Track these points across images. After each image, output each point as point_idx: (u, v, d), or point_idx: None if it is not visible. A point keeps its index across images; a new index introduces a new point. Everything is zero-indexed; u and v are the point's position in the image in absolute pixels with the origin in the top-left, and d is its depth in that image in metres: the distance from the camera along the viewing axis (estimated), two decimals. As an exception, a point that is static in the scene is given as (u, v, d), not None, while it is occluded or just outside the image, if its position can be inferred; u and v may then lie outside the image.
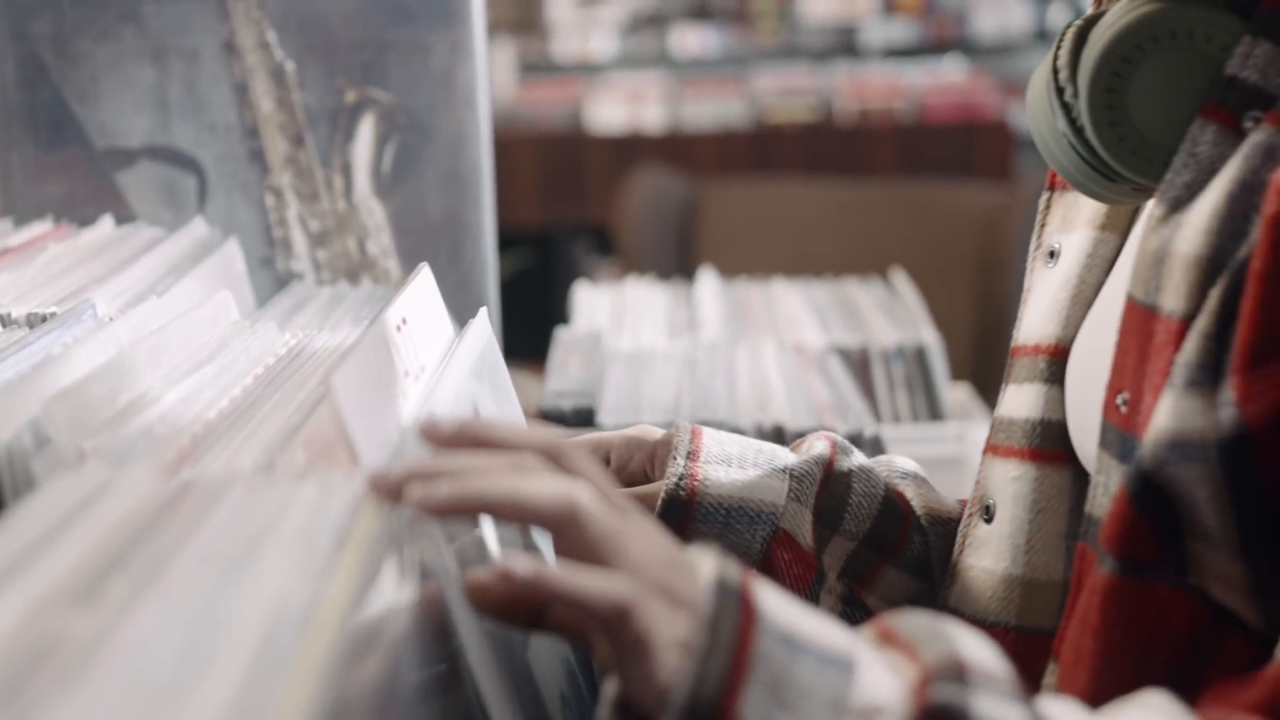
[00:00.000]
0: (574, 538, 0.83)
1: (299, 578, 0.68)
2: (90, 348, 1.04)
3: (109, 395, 0.93)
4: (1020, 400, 1.14)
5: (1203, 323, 0.90)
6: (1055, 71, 1.05)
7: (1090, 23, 1.06)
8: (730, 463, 1.18)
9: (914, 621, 0.85)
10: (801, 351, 1.98)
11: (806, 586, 1.17)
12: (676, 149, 5.15)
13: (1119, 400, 0.99)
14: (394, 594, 0.78)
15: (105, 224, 1.53)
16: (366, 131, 1.65)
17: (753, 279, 2.53)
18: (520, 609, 0.81)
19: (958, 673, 0.78)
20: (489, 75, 1.68)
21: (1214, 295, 0.90)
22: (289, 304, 1.47)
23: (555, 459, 0.89)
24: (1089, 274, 1.12)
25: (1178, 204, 0.96)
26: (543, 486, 0.84)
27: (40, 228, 1.50)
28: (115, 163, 1.62)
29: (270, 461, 0.88)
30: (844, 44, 5.81)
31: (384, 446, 0.88)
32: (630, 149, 5.17)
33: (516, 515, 0.84)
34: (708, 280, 2.39)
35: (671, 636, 0.79)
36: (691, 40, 5.90)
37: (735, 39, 5.93)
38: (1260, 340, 0.87)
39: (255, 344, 1.10)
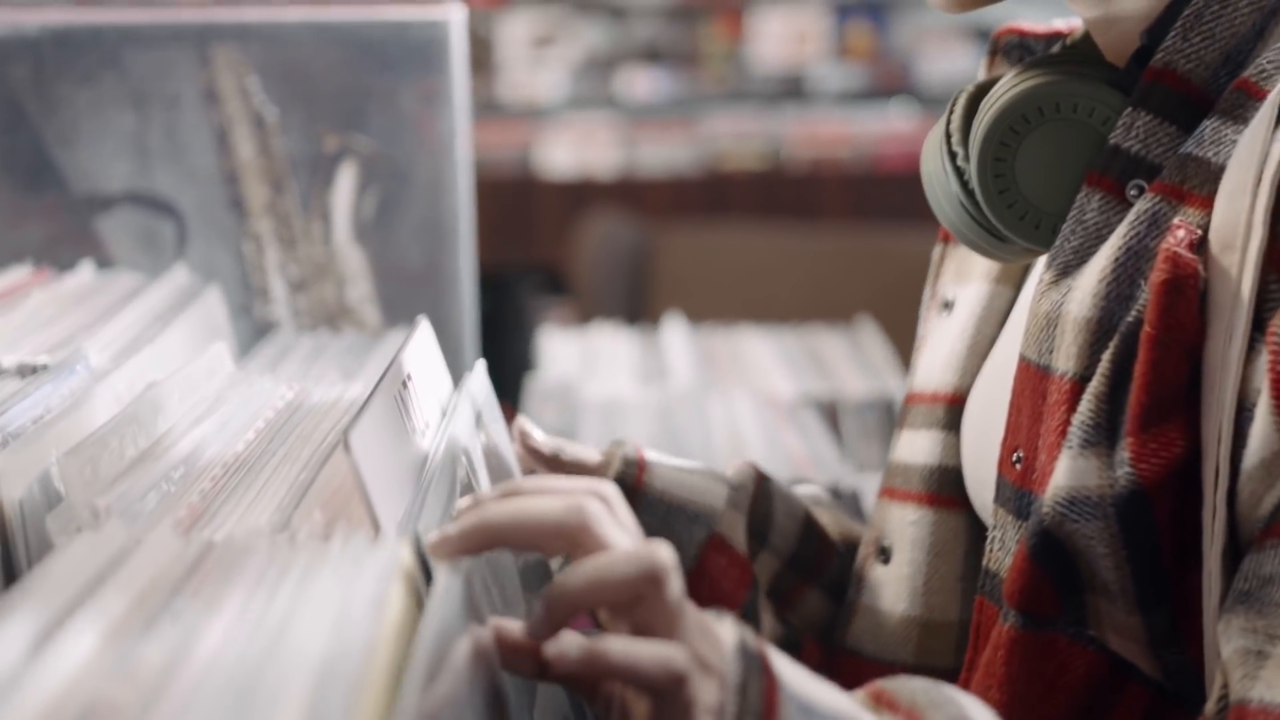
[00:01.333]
0: (654, 608, 0.81)
1: (339, 645, 0.68)
2: (91, 401, 1.03)
3: (118, 449, 0.93)
4: (917, 446, 1.17)
5: (1096, 385, 0.94)
6: (948, 136, 1.09)
7: (982, 89, 1.11)
8: (673, 459, 1.22)
9: (912, 686, 0.87)
10: (774, 402, 1.98)
11: (744, 591, 1.20)
12: (628, 193, 5.16)
13: (1014, 458, 1.02)
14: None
15: (86, 270, 1.52)
16: (346, 179, 1.65)
17: (719, 325, 2.53)
18: (573, 681, 0.81)
19: None
20: (469, 123, 1.68)
21: (1105, 358, 0.94)
22: (273, 353, 1.46)
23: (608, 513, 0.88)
24: (985, 325, 1.16)
25: (1067, 268, 1.00)
26: (547, 502, 0.84)
27: (19, 272, 1.48)
28: (94, 208, 1.61)
29: (287, 520, 0.87)
30: (793, 88, 5.84)
31: (399, 505, 0.87)
32: (581, 192, 5.17)
33: (528, 533, 0.84)
34: (675, 327, 2.40)
35: (705, 703, 0.79)
36: (641, 83, 5.91)
37: (685, 82, 5.94)
38: (1152, 402, 0.91)
39: (254, 397, 1.09)
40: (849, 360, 2.19)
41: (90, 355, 1.16)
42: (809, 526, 1.25)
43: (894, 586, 1.16)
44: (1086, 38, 1.13)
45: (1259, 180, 0.89)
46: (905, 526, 1.16)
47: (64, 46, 1.59)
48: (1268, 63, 0.96)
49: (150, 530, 0.82)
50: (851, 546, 1.26)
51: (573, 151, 5.49)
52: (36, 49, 1.59)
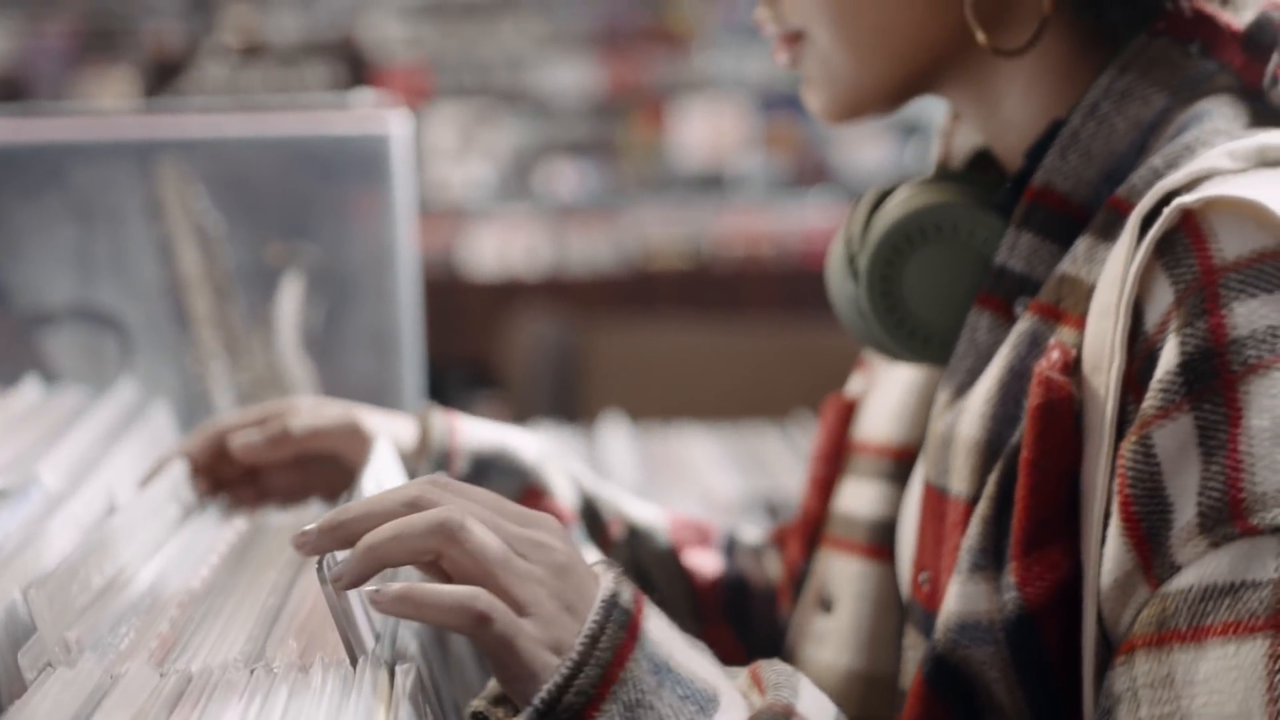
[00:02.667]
0: (455, 558, 0.82)
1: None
2: (50, 528, 1.02)
3: (85, 579, 0.92)
4: (862, 497, 1.16)
5: (983, 508, 0.95)
6: (848, 242, 1.10)
7: (883, 195, 1.12)
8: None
9: (776, 669, 0.88)
10: (716, 501, 1.98)
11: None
12: (555, 290, 5.17)
13: (922, 578, 1.03)
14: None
15: (32, 386, 1.51)
16: (291, 290, 1.65)
17: (654, 423, 2.54)
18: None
19: (785, 716, 0.82)
20: (414, 232, 1.68)
21: (991, 480, 0.95)
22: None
23: (438, 490, 0.87)
24: (931, 377, 1.15)
25: (961, 389, 1.02)
26: (417, 519, 0.83)
27: (-36, 389, 1.47)
28: (39, 322, 1.60)
29: (261, 650, 0.87)
30: (717, 181, 5.89)
31: (373, 630, 0.87)
32: (508, 288, 5.19)
33: (400, 550, 0.83)
34: (614, 426, 2.40)
35: (550, 638, 0.81)
36: (564, 178, 5.94)
37: (609, 176, 5.98)
38: (1033, 526, 0.92)
39: (214, 521, 1.09)
40: (788, 457, 2.20)
41: (44, 477, 1.15)
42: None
43: (837, 639, 1.16)
44: (984, 151, 1.15)
45: (1119, 302, 0.90)
46: (847, 578, 1.15)
47: (7, 163, 1.59)
48: (1139, 179, 0.97)
49: (125, 663, 0.82)
50: (638, 534, 1.29)
51: (498, 248, 5.50)
52: (-21, 164, 1.59)
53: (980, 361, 1.01)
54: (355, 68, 5.60)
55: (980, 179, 1.11)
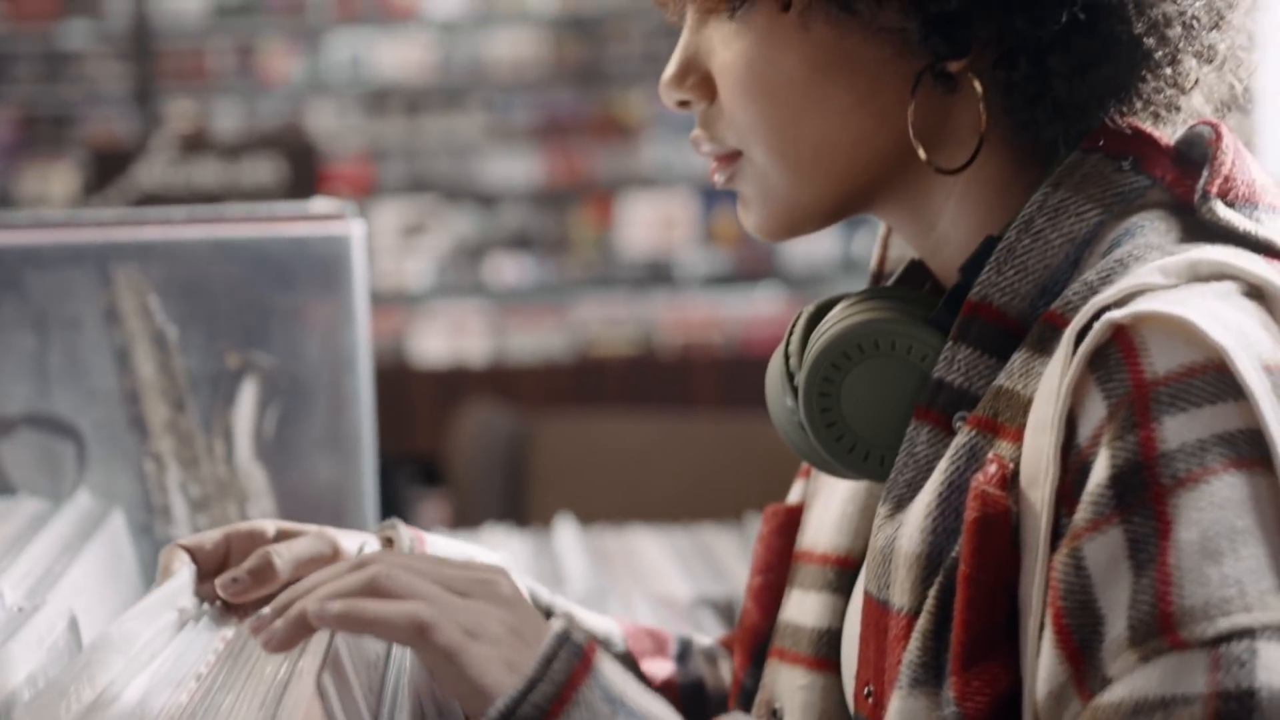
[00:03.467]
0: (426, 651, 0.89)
1: None
2: (14, 648, 1.01)
3: (74, 697, 0.91)
4: (807, 608, 1.16)
5: (923, 622, 0.96)
6: (786, 358, 1.11)
7: (821, 309, 1.13)
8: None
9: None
10: (671, 603, 1.98)
11: None
12: (501, 381, 5.18)
13: (865, 692, 1.04)
14: None
15: (-14, 496, 1.50)
16: (248, 396, 1.65)
17: (605, 522, 2.54)
18: None
19: None
20: (370, 339, 1.69)
21: (931, 594, 0.96)
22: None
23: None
24: (873, 487, 1.15)
25: (901, 502, 1.02)
26: (389, 608, 0.90)
27: (-82, 501, 1.46)
28: (-8, 431, 1.59)
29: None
30: (662, 273, 5.92)
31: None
32: (455, 381, 5.19)
33: (374, 633, 0.91)
34: (566, 530, 2.40)
35: (501, 656, 0.87)
36: (509, 269, 5.96)
37: (554, 268, 6.00)
38: (971, 640, 0.93)
39: (195, 638, 1.08)
40: (741, 558, 2.21)
41: (5, 592, 1.15)
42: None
43: None
44: (919, 265, 1.16)
45: (1054, 415, 0.92)
46: (795, 690, 1.15)
47: (-37, 269, 1.59)
48: (1074, 294, 0.98)
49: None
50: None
51: (445, 339, 5.51)
52: (-65, 272, 1.58)
53: (920, 474, 1.02)
54: (299, 160, 5.61)
55: (916, 294, 1.12)
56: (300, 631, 0.90)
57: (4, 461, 1.59)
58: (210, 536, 1.15)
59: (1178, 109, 1.05)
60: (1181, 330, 0.89)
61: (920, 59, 1.03)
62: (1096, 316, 0.92)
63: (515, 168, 6.05)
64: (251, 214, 1.68)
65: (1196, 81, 1.04)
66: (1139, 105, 1.03)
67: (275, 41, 6.44)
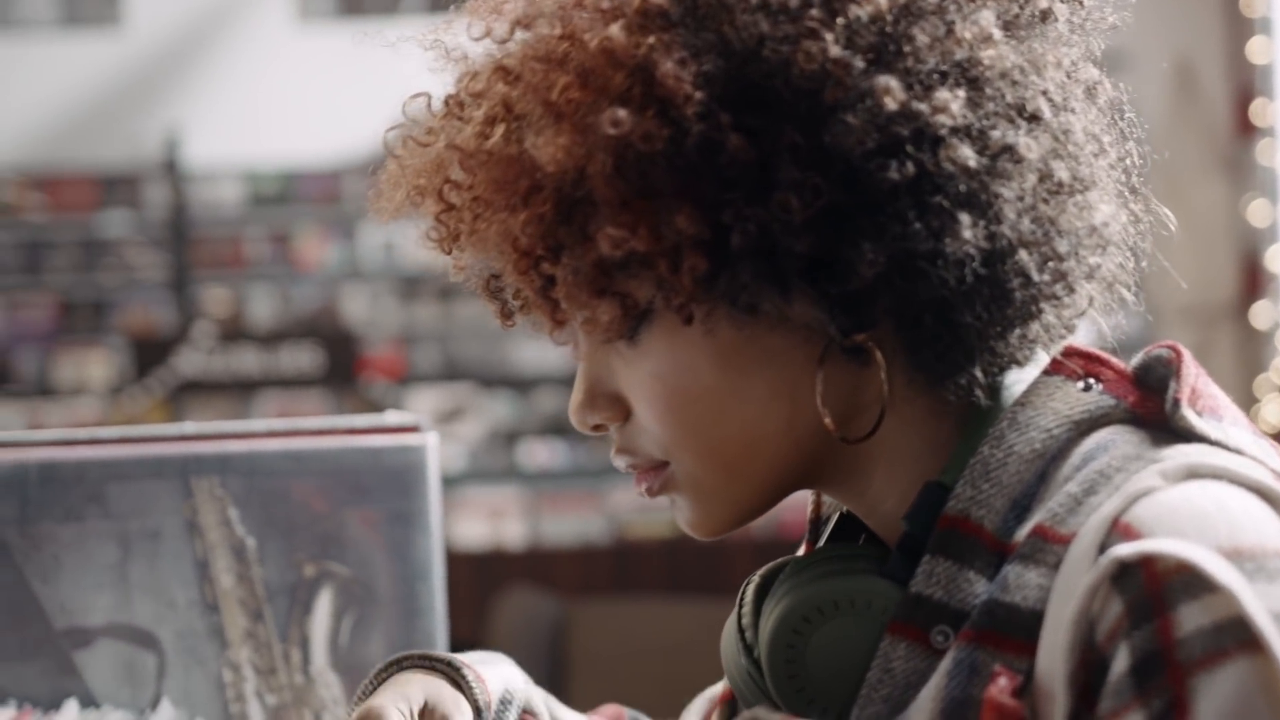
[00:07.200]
0: None
1: None
2: None
3: None
4: None
5: None
6: (741, 632, 1.13)
7: (770, 576, 1.14)
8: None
9: None
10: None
11: None
12: (538, 565, 5.19)
13: None
14: None
15: (70, 710, 1.52)
16: (324, 605, 1.67)
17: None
18: None
19: None
20: (444, 548, 1.71)
21: None
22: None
23: None
24: None
25: (878, 719, 1.02)
26: None
27: (4, 715, 1.48)
28: (74, 642, 1.61)
29: None
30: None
31: None
32: (493, 565, 5.19)
33: None
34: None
35: None
36: (541, 453, 5.99)
37: (586, 452, 6.03)
38: None
39: None
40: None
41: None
42: None
43: None
44: (850, 516, 1.17)
45: (1071, 618, 0.94)
46: None
47: (49, 483, 1.62)
48: (1059, 506, 1.00)
49: None
50: None
51: (481, 524, 5.53)
52: (23, 485, 1.61)
53: (899, 691, 1.02)
54: (337, 347, 5.68)
55: (858, 550, 1.13)
56: None
57: (86, 672, 1.61)
58: None
59: (1074, 329, 1.09)
60: (1201, 584, 0.92)
61: (827, 337, 1.05)
62: (1114, 525, 0.96)
63: (548, 352, 6.10)
64: (329, 426, 1.71)
65: (1092, 300, 1.09)
66: (1045, 336, 1.07)
67: (310, 229, 6.54)
